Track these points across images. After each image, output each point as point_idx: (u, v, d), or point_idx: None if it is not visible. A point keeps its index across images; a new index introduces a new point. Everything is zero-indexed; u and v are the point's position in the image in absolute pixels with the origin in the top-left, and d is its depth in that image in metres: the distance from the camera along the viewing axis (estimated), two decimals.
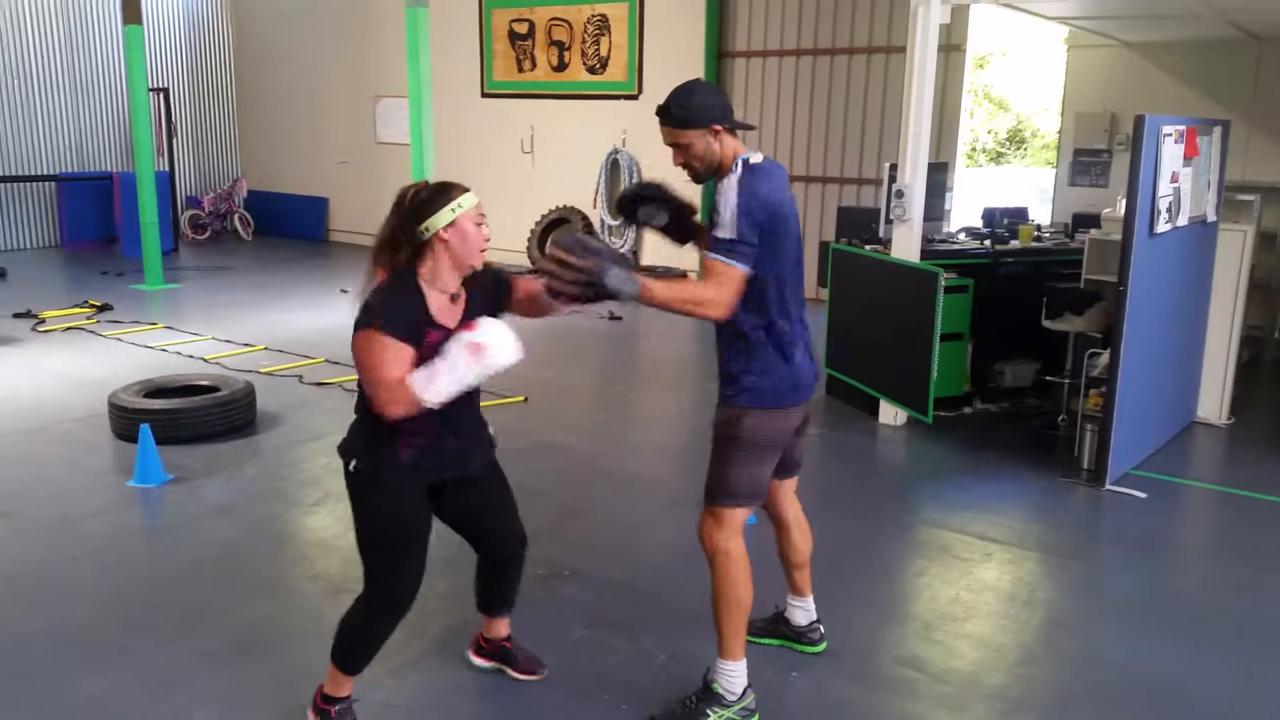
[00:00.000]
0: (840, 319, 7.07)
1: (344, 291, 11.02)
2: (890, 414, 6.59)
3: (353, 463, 3.00)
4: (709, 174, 3.17)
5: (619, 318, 9.44)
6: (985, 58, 25.25)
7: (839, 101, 10.93)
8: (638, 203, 3.37)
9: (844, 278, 7.04)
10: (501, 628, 3.54)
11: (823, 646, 3.75)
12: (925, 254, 6.52)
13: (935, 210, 7.18)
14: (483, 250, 2.93)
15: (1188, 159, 5.73)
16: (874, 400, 6.68)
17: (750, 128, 3.23)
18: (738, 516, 3.22)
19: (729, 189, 3.00)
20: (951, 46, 9.90)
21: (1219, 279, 6.49)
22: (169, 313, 9.84)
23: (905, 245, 6.38)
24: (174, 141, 14.37)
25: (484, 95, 13.39)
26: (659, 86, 11.78)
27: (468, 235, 2.88)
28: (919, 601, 4.24)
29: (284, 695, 3.44)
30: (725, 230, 2.96)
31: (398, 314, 2.83)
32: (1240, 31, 8.07)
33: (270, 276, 12.17)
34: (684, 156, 3.16)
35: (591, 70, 12.40)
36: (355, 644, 3.12)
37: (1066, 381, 6.47)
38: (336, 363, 7.80)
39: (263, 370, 7.61)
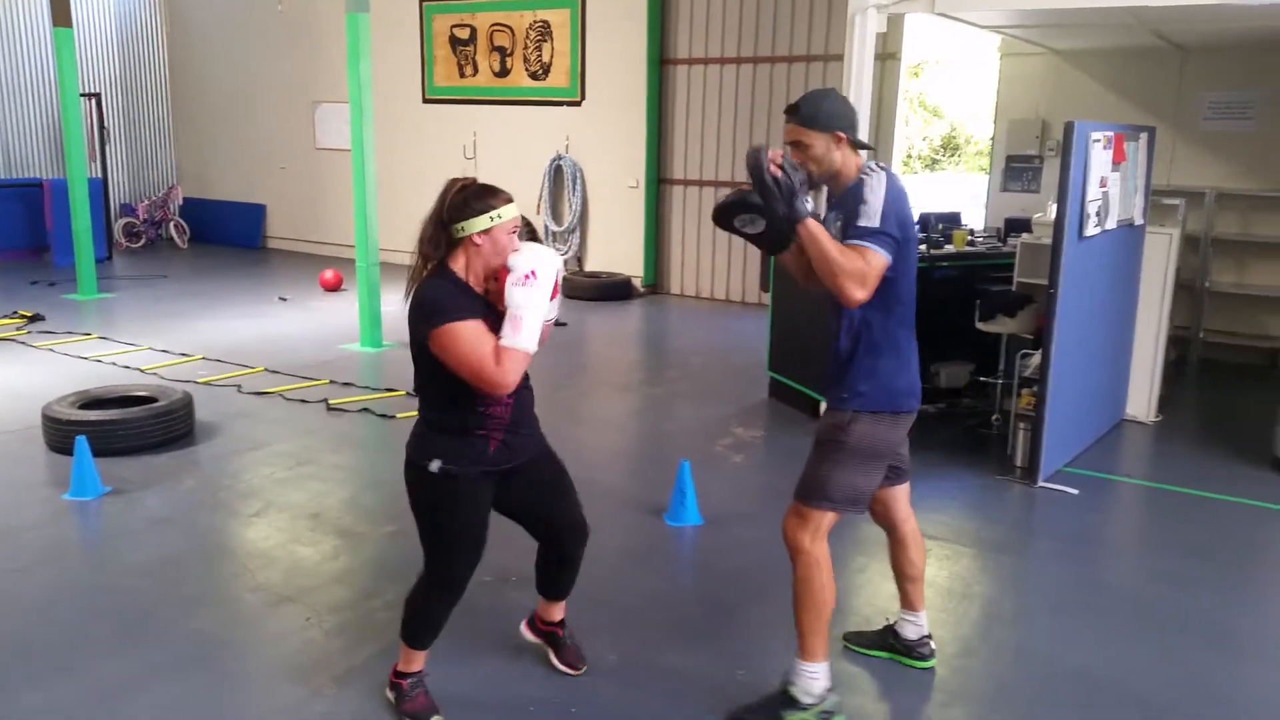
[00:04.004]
0: (782, 322, 7.17)
1: (282, 299, 10.89)
2: None
3: (435, 464, 3.04)
4: (822, 179, 3.19)
5: (564, 324, 9.45)
6: (919, 66, 25.67)
7: (779, 108, 11.01)
8: (735, 211, 3.21)
9: (786, 282, 7.13)
10: (556, 611, 3.64)
11: (933, 662, 3.72)
12: None
13: None
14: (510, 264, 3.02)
15: (1116, 164, 5.90)
16: (815, 402, 6.77)
17: (870, 148, 3.24)
18: (827, 519, 3.21)
19: (878, 185, 3.03)
20: (887, 55, 10.07)
21: (1146, 281, 6.69)
22: (103, 323, 9.64)
23: None
24: (107, 147, 14.08)
25: (425, 101, 13.32)
26: (601, 93, 11.84)
27: (499, 244, 2.98)
28: (860, 597, 4.32)
29: (231, 705, 3.42)
30: (872, 220, 2.98)
31: (459, 301, 2.94)
32: (1165, 41, 8.33)
33: (207, 285, 11.97)
34: (802, 156, 3.15)
35: (534, 76, 12.40)
36: (419, 621, 3.27)
37: (1000, 382, 6.62)
38: (276, 372, 7.71)
39: (200, 380, 7.50)
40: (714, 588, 4.46)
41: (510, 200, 3.01)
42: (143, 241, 14.97)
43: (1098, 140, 5.63)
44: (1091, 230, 5.67)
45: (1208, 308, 8.78)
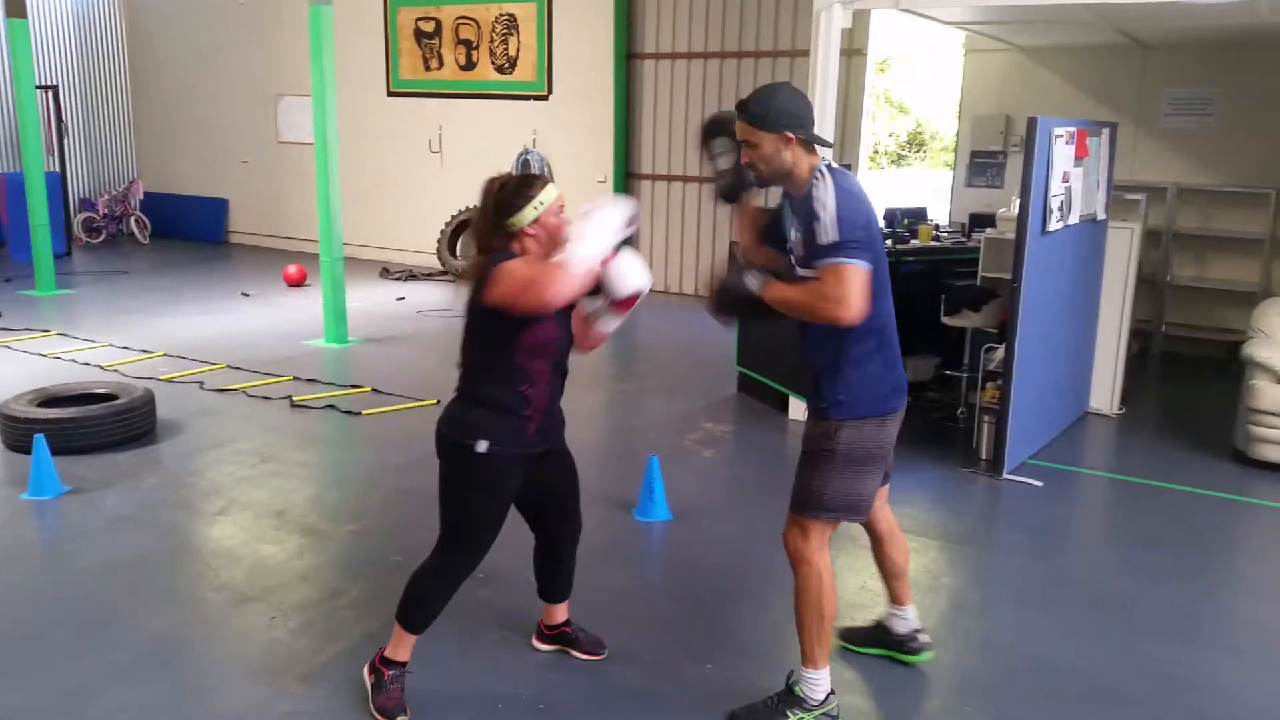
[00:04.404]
0: None
1: (245, 295, 10.76)
2: (799, 409, 6.70)
3: (483, 444, 3.08)
4: (772, 179, 3.14)
5: None
6: (886, 62, 25.80)
7: None
8: (718, 131, 3.29)
9: None
10: (560, 613, 3.71)
11: (925, 655, 3.70)
12: None
13: None
14: (566, 237, 3.09)
15: (1078, 159, 5.95)
16: (783, 396, 6.79)
17: (827, 144, 3.17)
18: (827, 529, 3.21)
19: (825, 195, 2.93)
20: (853, 51, 10.10)
21: (1109, 275, 6.76)
22: (62, 319, 9.48)
23: None
24: (65, 141, 13.84)
25: (390, 94, 13.21)
26: (568, 87, 11.80)
27: (550, 227, 3.08)
28: None
29: (195, 705, 3.38)
30: (830, 234, 2.89)
31: (509, 255, 3.02)
32: (1127, 38, 8.41)
33: (168, 280, 11.80)
34: (750, 155, 3.12)
35: (500, 70, 12.33)
36: (422, 602, 3.27)
37: (964, 375, 6.67)
38: (238, 368, 7.62)
39: (162, 377, 7.39)
40: (683, 583, 4.46)
41: (548, 182, 3.11)
42: (103, 237, 14.74)
43: (1060, 136, 5.67)
44: (1054, 225, 5.72)
45: (1169, 302, 8.89)
